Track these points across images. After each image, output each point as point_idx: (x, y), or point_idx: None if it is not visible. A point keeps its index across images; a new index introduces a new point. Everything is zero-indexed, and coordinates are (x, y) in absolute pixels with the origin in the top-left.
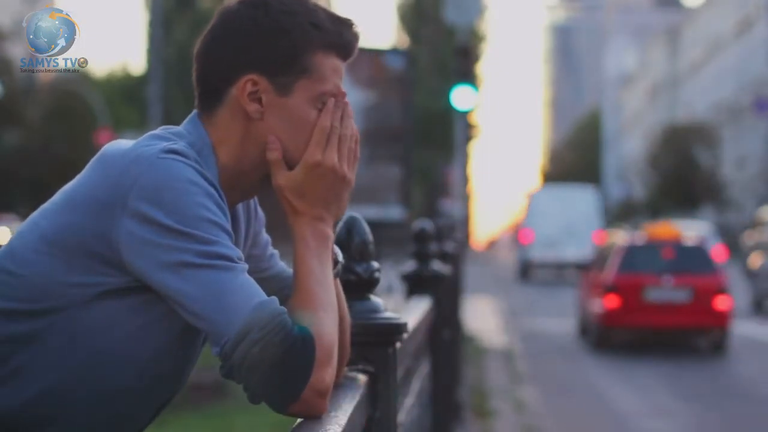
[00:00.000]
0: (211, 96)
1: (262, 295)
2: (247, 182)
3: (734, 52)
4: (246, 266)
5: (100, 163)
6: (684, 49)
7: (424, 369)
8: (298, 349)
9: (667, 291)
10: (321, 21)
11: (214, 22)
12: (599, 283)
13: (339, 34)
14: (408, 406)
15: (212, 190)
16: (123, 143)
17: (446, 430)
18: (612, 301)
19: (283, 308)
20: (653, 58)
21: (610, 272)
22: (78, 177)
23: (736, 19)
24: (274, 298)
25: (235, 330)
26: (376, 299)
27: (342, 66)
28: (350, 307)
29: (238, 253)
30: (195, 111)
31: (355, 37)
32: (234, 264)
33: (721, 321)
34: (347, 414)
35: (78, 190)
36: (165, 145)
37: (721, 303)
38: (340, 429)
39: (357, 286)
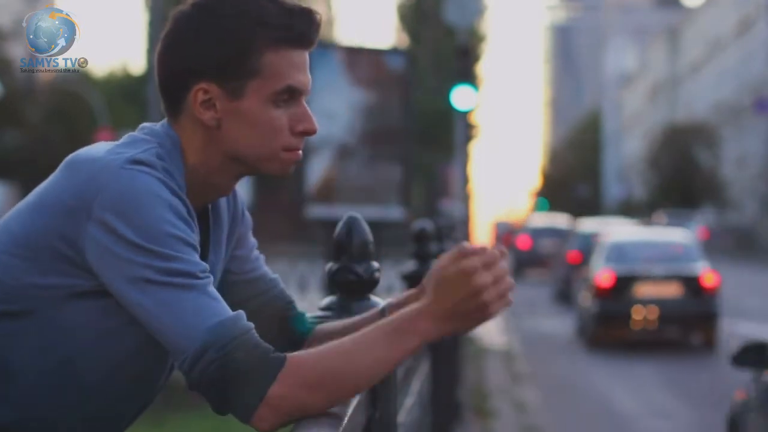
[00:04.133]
0: (172, 103)
1: (223, 313)
2: (218, 182)
3: (734, 52)
4: (210, 280)
5: (69, 168)
6: (684, 49)
7: (424, 369)
8: (258, 364)
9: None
10: (269, 17)
11: (168, 27)
12: (504, 238)
13: (290, 27)
14: (408, 406)
15: (177, 201)
16: (94, 149)
17: (446, 430)
18: (521, 243)
19: (249, 325)
20: (653, 58)
21: (504, 234)
22: (49, 179)
23: (736, 19)
24: (240, 314)
25: (193, 349)
26: (376, 299)
27: (303, 55)
28: (350, 307)
29: (202, 266)
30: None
31: (309, 25)
32: (195, 281)
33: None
34: (347, 414)
35: (47, 192)
36: (132, 154)
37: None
38: (340, 429)
39: (357, 286)
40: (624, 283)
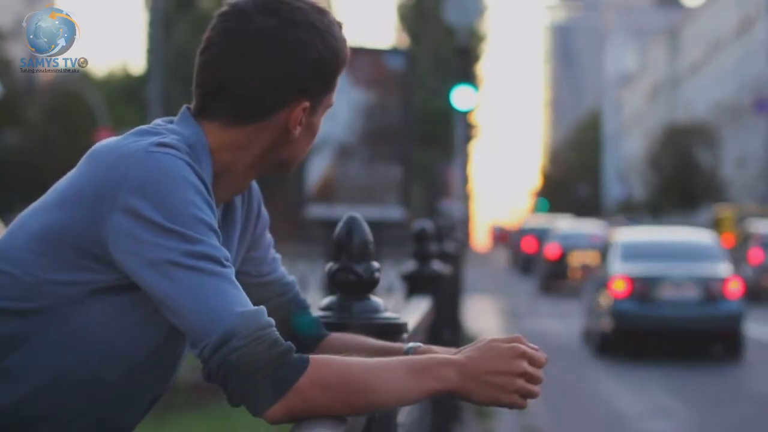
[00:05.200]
0: (241, 112)
1: (246, 304)
2: (245, 182)
3: (734, 52)
4: (233, 270)
5: (90, 160)
6: (684, 49)
7: None
8: (282, 360)
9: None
10: (344, 36)
11: (254, 41)
12: (500, 237)
13: (347, 45)
14: (408, 406)
15: (202, 186)
16: (113, 139)
17: (446, 430)
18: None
19: (272, 321)
20: (653, 58)
21: (499, 234)
22: (68, 174)
23: (736, 19)
24: (262, 309)
25: (216, 336)
26: (376, 299)
27: None
28: (350, 307)
29: (225, 253)
30: (185, 107)
31: None
32: (220, 268)
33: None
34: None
35: (68, 187)
36: (155, 138)
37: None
38: (340, 429)
39: (357, 286)
40: (565, 254)
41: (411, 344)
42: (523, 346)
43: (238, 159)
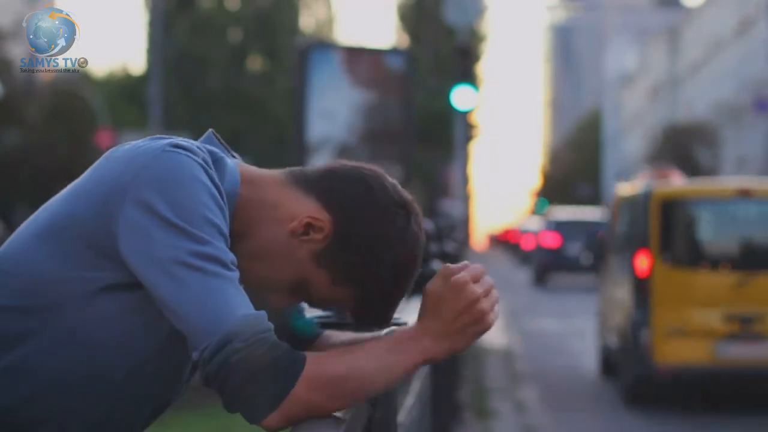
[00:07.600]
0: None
1: (248, 308)
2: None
3: (734, 52)
4: (237, 274)
5: (106, 159)
6: (684, 49)
7: (424, 369)
8: (281, 364)
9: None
10: (401, 278)
11: (370, 190)
12: (498, 238)
13: (391, 302)
14: (408, 406)
15: (215, 189)
16: (133, 141)
17: (446, 430)
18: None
19: (271, 325)
20: (653, 58)
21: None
22: (83, 174)
23: (736, 19)
24: (264, 314)
25: (218, 337)
26: None
27: None
28: None
29: (231, 257)
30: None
31: (392, 309)
32: (225, 271)
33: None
34: (347, 414)
35: (82, 184)
36: (172, 140)
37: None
38: (340, 429)
39: None
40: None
41: (391, 328)
42: (458, 277)
43: (253, 197)
